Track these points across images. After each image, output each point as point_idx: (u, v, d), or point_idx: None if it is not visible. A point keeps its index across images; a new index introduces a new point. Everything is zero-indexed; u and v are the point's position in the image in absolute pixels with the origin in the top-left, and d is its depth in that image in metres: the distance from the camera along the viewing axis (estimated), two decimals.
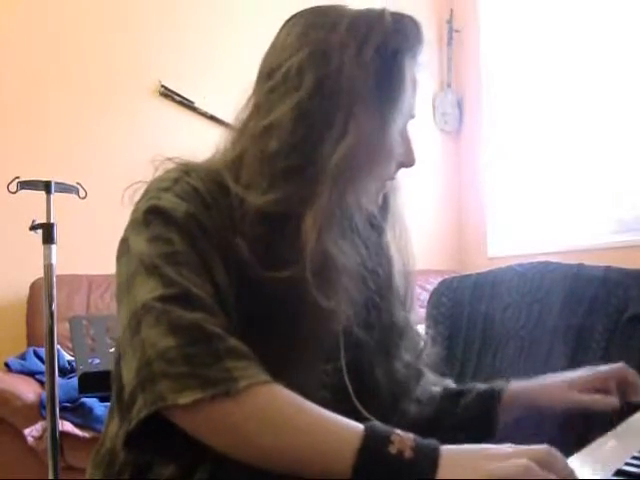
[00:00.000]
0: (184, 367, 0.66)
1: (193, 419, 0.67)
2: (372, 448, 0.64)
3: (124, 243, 0.78)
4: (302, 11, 0.85)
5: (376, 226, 0.91)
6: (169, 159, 0.83)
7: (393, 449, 0.63)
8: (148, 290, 0.71)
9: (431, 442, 0.65)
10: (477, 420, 0.93)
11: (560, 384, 0.92)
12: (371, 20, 0.79)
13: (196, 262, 0.73)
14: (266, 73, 0.83)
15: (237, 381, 0.66)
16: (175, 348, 0.67)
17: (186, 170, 0.80)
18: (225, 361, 0.67)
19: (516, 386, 0.95)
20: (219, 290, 0.74)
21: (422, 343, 0.96)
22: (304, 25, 0.82)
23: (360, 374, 0.87)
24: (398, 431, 0.65)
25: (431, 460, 0.63)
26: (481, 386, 0.97)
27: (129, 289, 0.73)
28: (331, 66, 0.77)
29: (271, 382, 0.68)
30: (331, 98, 0.77)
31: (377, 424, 0.67)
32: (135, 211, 0.79)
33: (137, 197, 0.81)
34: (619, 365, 0.93)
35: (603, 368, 0.93)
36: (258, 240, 0.75)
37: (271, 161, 0.78)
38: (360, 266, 0.85)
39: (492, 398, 0.94)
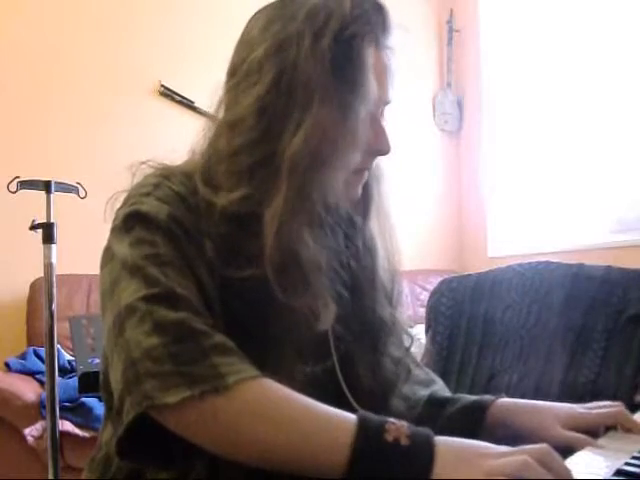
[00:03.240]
0: (169, 365, 0.65)
1: (182, 419, 0.66)
2: (368, 436, 0.63)
3: (107, 251, 0.77)
4: (266, 5, 0.83)
5: (358, 216, 0.89)
6: (144, 163, 0.83)
7: (389, 437, 0.63)
8: (132, 292, 0.70)
9: (425, 430, 0.65)
10: (458, 434, 0.90)
11: (548, 414, 0.85)
12: (329, 8, 0.77)
13: (180, 263, 0.72)
14: (231, 70, 0.83)
15: (225, 377, 0.65)
16: (160, 347, 0.66)
17: (166, 175, 0.80)
18: (211, 358, 0.66)
19: (505, 402, 0.90)
20: (204, 290, 0.73)
21: (410, 340, 0.95)
22: (265, 19, 0.81)
23: (346, 372, 0.86)
24: (391, 419, 0.65)
25: (428, 448, 0.62)
26: (468, 398, 0.93)
27: (112, 294, 0.72)
28: (288, 58, 0.76)
29: (260, 376, 0.67)
30: (289, 91, 0.76)
31: (368, 413, 0.66)
32: (116, 218, 0.78)
33: (118, 206, 0.80)
34: (616, 410, 0.84)
35: (600, 411, 0.84)
36: (223, 240, 0.75)
37: (236, 158, 0.77)
38: (333, 260, 0.83)
39: (478, 412, 0.89)
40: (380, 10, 0.80)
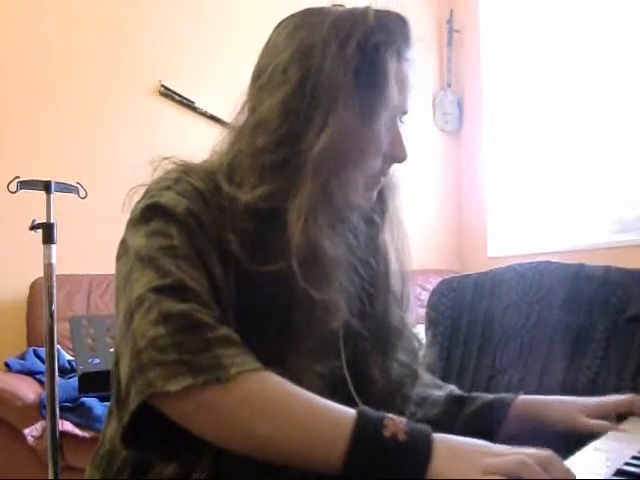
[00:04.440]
0: (173, 355, 0.66)
1: (184, 407, 0.67)
2: (366, 431, 0.64)
3: (123, 244, 0.79)
4: (293, 13, 0.87)
5: (373, 223, 0.91)
6: (166, 159, 0.84)
7: (387, 432, 0.64)
8: (143, 283, 0.72)
9: (423, 427, 0.65)
10: (482, 428, 0.91)
11: (572, 405, 0.91)
12: (354, 18, 0.81)
13: (193, 256, 0.74)
14: (257, 73, 0.86)
15: (227, 368, 0.66)
16: (165, 336, 0.67)
17: (186, 170, 0.82)
18: (214, 349, 0.67)
19: (527, 399, 0.94)
20: (216, 285, 0.74)
21: (418, 344, 0.96)
22: (292, 26, 0.84)
23: (357, 371, 0.87)
24: (390, 415, 0.66)
25: (425, 445, 0.63)
26: (489, 395, 0.97)
27: (125, 285, 0.74)
28: (313, 63, 0.79)
29: (262, 369, 0.68)
30: (313, 93, 0.79)
31: (368, 409, 0.67)
32: (134, 210, 0.80)
33: (136, 200, 0.82)
34: (630, 397, 0.91)
35: (615, 398, 0.91)
36: (248, 235, 0.77)
37: (259, 157, 0.79)
38: (351, 257, 0.85)
39: (502, 408, 0.93)
40: (403, 23, 0.84)
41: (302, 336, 0.77)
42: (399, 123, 0.86)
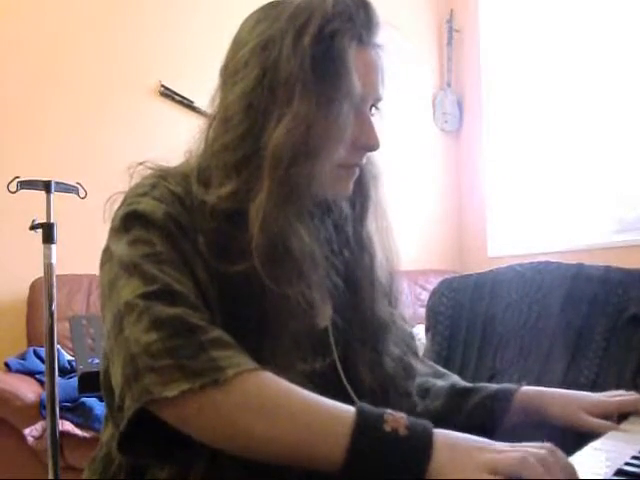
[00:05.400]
0: (168, 360, 0.66)
1: (182, 412, 0.67)
2: (367, 426, 0.64)
3: (106, 252, 0.79)
4: (258, 8, 0.85)
5: (356, 214, 0.90)
6: (141, 164, 0.84)
7: (387, 427, 0.64)
8: (130, 290, 0.71)
9: (424, 421, 0.65)
10: (484, 421, 0.91)
11: (574, 401, 0.90)
12: (312, 7, 0.79)
13: (177, 260, 0.74)
14: (222, 69, 0.85)
15: (224, 370, 0.66)
16: (158, 342, 0.67)
17: (163, 175, 0.81)
18: (209, 351, 0.67)
19: (529, 391, 0.93)
20: (200, 287, 0.74)
21: (410, 338, 0.96)
22: (254, 20, 0.83)
23: (346, 367, 0.86)
24: (389, 410, 0.66)
25: (426, 439, 0.63)
26: (492, 386, 0.96)
27: (111, 292, 0.74)
28: (271, 56, 0.78)
29: (258, 369, 0.68)
30: (271, 87, 0.77)
31: (367, 405, 0.67)
32: (114, 219, 0.80)
33: (116, 207, 0.82)
34: (634, 397, 0.90)
35: (618, 397, 0.90)
36: (214, 236, 0.76)
37: (224, 154, 0.79)
38: (329, 251, 0.84)
39: (505, 400, 0.92)
40: (364, 7, 0.80)
41: (280, 334, 0.76)
42: (371, 110, 0.83)
